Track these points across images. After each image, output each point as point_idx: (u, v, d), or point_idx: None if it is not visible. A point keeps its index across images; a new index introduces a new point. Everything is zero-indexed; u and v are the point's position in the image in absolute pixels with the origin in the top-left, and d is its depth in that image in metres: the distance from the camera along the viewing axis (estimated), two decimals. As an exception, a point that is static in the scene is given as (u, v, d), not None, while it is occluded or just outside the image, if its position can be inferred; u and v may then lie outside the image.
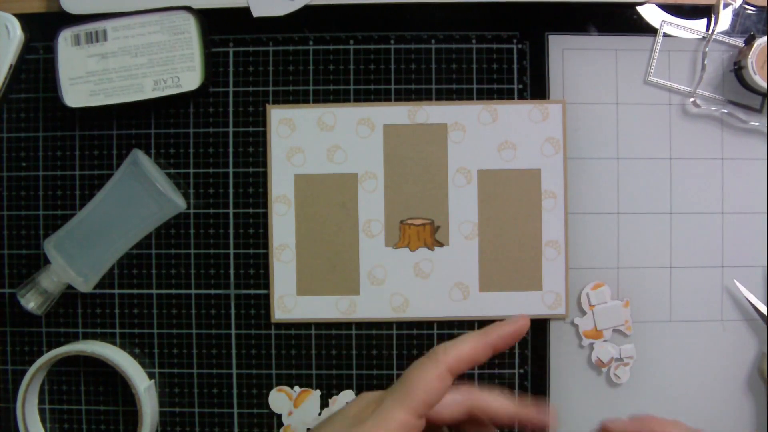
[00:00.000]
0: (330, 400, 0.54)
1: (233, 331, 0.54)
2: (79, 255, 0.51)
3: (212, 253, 0.54)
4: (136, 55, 0.52)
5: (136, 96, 0.52)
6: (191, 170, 0.54)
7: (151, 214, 0.52)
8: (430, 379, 0.33)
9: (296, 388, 0.54)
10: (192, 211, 0.54)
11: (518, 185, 0.53)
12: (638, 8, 0.54)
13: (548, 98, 0.54)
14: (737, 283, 0.53)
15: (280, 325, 0.54)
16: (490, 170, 0.54)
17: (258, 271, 0.54)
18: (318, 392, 0.54)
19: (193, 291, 0.54)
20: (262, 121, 0.54)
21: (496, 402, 0.35)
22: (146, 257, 0.54)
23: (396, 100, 0.54)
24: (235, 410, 0.54)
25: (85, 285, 0.51)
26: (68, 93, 0.52)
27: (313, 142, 0.54)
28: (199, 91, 0.52)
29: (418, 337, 0.54)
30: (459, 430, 0.36)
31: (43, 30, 0.54)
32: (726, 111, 0.53)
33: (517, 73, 0.54)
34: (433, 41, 0.54)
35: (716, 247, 0.54)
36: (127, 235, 0.52)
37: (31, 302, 0.51)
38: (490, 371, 0.54)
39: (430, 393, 0.33)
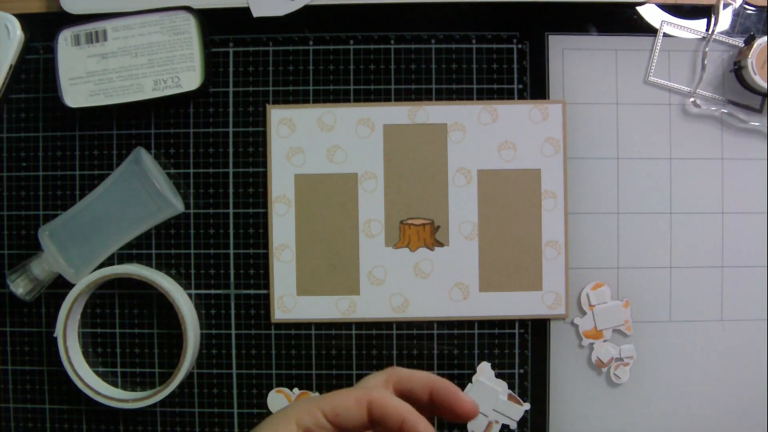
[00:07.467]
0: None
1: (233, 331, 0.54)
2: (72, 246, 0.51)
3: (212, 253, 0.54)
4: (136, 55, 0.52)
5: (136, 96, 0.52)
6: (191, 170, 0.54)
7: (149, 214, 0.52)
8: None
9: (295, 390, 0.54)
10: (192, 211, 0.54)
11: (518, 185, 0.53)
12: (638, 8, 0.54)
13: (548, 98, 0.54)
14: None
15: (280, 325, 0.54)
16: (490, 170, 0.54)
17: (258, 271, 0.54)
18: (317, 395, 0.54)
19: (193, 291, 0.54)
20: (262, 121, 0.54)
21: (390, 401, 0.34)
22: (146, 257, 0.54)
23: (396, 100, 0.54)
24: (235, 410, 0.54)
25: (75, 276, 0.51)
26: (68, 93, 0.53)
27: (313, 142, 0.54)
28: (199, 91, 0.52)
29: (418, 337, 0.54)
30: None
31: (43, 30, 0.54)
32: (726, 111, 0.53)
33: (517, 73, 0.54)
34: (433, 41, 0.54)
35: (716, 247, 0.54)
36: (122, 232, 0.52)
37: (20, 288, 0.51)
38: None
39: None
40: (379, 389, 0.34)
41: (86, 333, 0.54)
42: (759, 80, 0.51)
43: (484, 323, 0.54)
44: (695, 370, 0.54)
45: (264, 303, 0.54)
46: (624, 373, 0.53)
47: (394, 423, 0.33)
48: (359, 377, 0.54)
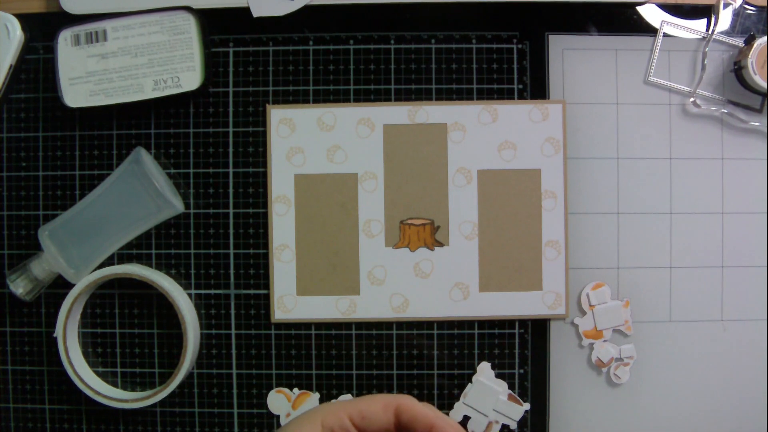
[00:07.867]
0: (330, 401, 0.54)
1: (233, 331, 0.54)
2: (72, 246, 0.51)
3: (212, 253, 0.54)
4: (136, 55, 0.52)
5: (136, 96, 0.52)
6: (191, 170, 0.54)
7: (149, 214, 0.52)
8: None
9: (295, 390, 0.54)
10: (192, 211, 0.54)
11: (518, 185, 0.53)
12: (638, 8, 0.54)
13: (548, 98, 0.54)
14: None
15: (280, 325, 0.54)
16: (490, 170, 0.54)
17: (258, 271, 0.54)
18: (317, 395, 0.54)
19: (193, 291, 0.54)
20: (262, 121, 0.54)
21: (418, 407, 0.35)
22: (146, 257, 0.54)
23: (396, 100, 0.54)
24: (235, 410, 0.54)
25: (75, 276, 0.51)
26: (68, 93, 0.53)
27: (313, 142, 0.54)
28: (199, 91, 0.52)
29: (418, 337, 0.54)
30: None
31: (43, 30, 0.54)
32: (726, 111, 0.53)
33: (517, 73, 0.54)
34: (433, 41, 0.54)
35: (716, 247, 0.54)
36: (122, 232, 0.52)
37: (20, 288, 0.51)
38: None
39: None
40: (406, 396, 0.35)
41: (86, 333, 0.54)
42: (759, 80, 0.51)
43: (484, 323, 0.54)
44: (695, 370, 0.54)
45: (264, 303, 0.54)
46: (624, 373, 0.53)
47: (423, 428, 0.33)
48: (359, 377, 0.54)
